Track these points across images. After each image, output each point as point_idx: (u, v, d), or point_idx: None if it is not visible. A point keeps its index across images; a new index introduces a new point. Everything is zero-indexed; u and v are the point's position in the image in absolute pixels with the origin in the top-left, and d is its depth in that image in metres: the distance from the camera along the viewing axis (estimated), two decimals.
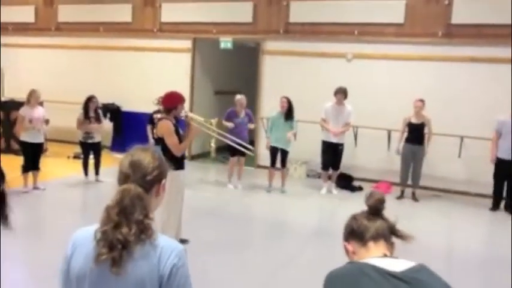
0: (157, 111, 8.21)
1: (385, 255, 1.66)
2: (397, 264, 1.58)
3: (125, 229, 1.50)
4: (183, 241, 5.09)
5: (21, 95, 10.01)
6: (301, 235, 6.11)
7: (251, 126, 8.29)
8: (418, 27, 8.81)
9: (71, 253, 1.61)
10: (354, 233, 1.75)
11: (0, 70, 11.48)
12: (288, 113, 7.97)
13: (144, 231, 1.53)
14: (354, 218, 1.79)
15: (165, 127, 4.85)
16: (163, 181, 1.69)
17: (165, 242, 1.58)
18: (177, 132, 4.89)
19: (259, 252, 5.52)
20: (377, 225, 1.73)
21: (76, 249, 1.60)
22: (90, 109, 8.03)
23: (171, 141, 4.77)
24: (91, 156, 8.17)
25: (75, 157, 10.03)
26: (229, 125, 7.93)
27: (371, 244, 1.71)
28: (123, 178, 1.62)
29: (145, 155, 1.66)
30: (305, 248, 5.68)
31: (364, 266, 1.58)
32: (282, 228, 6.45)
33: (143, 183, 1.60)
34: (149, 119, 8.30)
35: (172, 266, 1.54)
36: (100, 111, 8.36)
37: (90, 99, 8.08)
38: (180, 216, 5.13)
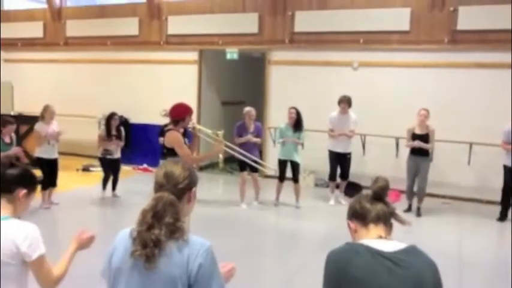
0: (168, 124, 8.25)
1: (381, 237, 1.82)
2: (389, 246, 1.77)
3: (157, 230, 1.73)
4: None
5: (30, 110, 10.15)
6: (309, 245, 6.10)
7: (256, 140, 7.73)
8: (423, 34, 8.82)
9: (112, 249, 1.86)
10: (357, 214, 1.92)
11: (4, 85, 11.61)
12: (297, 125, 7.71)
13: (175, 232, 1.75)
14: (359, 200, 1.95)
15: (175, 138, 4.85)
16: (194, 189, 1.92)
17: (194, 241, 1.79)
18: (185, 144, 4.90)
19: (267, 262, 5.51)
20: (378, 209, 1.89)
21: (117, 245, 1.85)
22: (112, 127, 7.95)
23: (183, 152, 4.77)
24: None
25: (84, 169, 10.10)
26: (243, 140, 7.53)
27: (371, 226, 1.88)
28: (158, 187, 1.85)
29: (177, 167, 1.89)
30: (313, 258, 5.66)
31: (359, 246, 1.78)
32: (290, 239, 6.42)
33: (175, 191, 1.83)
34: (160, 131, 8.33)
35: (200, 263, 1.73)
36: (122, 129, 8.23)
37: (111, 117, 7.98)
38: (187, 227, 5.13)
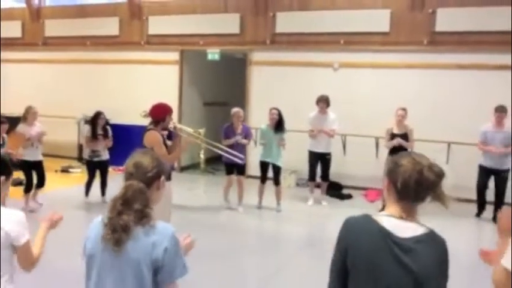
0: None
1: (402, 218, 1.76)
2: (405, 230, 1.73)
3: (125, 216, 1.86)
4: None
5: (10, 110, 9.99)
6: (290, 245, 6.11)
7: (243, 141, 7.53)
8: (403, 35, 8.93)
9: (87, 236, 2.00)
10: (396, 184, 1.78)
11: None
12: (278, 126, 7.55)
13: (143, 218, 1.88)
14: (409, 175, 1.75)
15: (154, 137, 4.84)
16: (162, 177, 2.05)
17: (160, 226, 1.92)
18: (164, 144, 4.90)
19: (248, 262, 5.52)
20: (418, 190, 1.76)
21: (90, 232, 1.99)
22: (98, 126, 7.60)
23: (161, 151, 4.74)
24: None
25: (63, 171, 9.99)
26: (231, 141, 7.31)
27: (402, 200, 1.78)
28: (128, 176, 1.99)
29: (146, 157, 2.03)
30: (293, 258, 5.68)
31: (374, 224, 1.75)
32: (271, 239, 6.44)
33: (145, 179, 1.96)
34: (144, 132, 8.25)
35: (165, 247, 1.87)
36: (109, 128, 7.88)
37: (97, 116, 7.65)
38: (168, 218, 5.11)
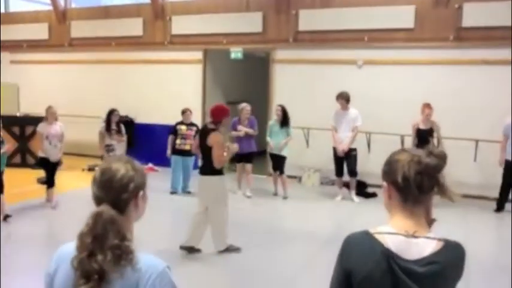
0: (181, 123, 8.33)
1: (408, 232, 1.52)
2: (412, 249, 1.50)
3: (99, 257, 1.41)
4: (233, 249, 5.49)
5: (35, 111, 10.20)
6: (313, 243, 6.08)
7: (249, 130, 8.17)
8: (428, 31, 8.79)
9: (53, 271, 1.55)
10: (396, 183, 1.56)
11: (10, 87, 11.68)
12: (283, 121, 8.15)
13: (122, 256, 1.43)
14: (408, 167, 1.55)
15: (218, 139, 5.19)
16: (141, 192, 1.58)
17: (146, 263, 1.47)
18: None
19: (273, 257, 5.50)
20: (424, 185, 1.54)
21: (59, 267, 1.54)
22: (112, 122, 8.11)
23: (219, 153, 5.13)
24: None
25: (90, 169, 10.13)
26: (240, 133, 8.14)
27: (408, 208, 1.56)
28: (97, 200, 1.54)
29: (116, 171, 1.54)
30: (317, 256, 5.65)
31: (376, 244, 1.51)
32: (295, 235, 6.40)
33: (118, 203, 1.51)
34: (172, 130, 8.37)
35: None
36: (122, 125, 8.42)
37: (111, 113, 8.17)
38: (227, 220, 5.45)
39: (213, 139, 5.18)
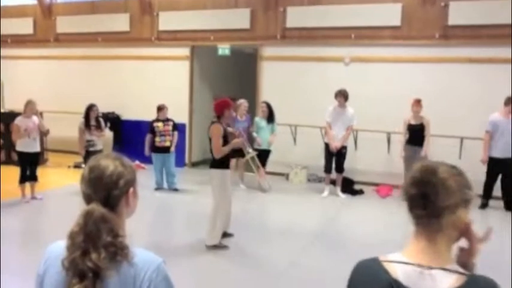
0: (156, 120, 8.30)
1: (421, 262, 1.32)
2: (426, 283, 1.29)
3: (94, 255, 1.38)
4: (228, 235, 5.77)
5: (20, 107, 10.06)
6: (300, 239, 6.09)
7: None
8: (414, 29, 8.85)
9: (43, 272, 1.52)
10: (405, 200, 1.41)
11: (0, 82, 11.53)
12: (269, 117, 8.52)
13: (117, 252, 1.41)
14: (411, 176, 1.40)
15: (215, 130, 5.37)
16: (132, 189, 1.54)
17: (142, 259, 1.46)
18: (225, 137, 5.41)
19: (261, 254, 5.51)
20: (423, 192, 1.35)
21: (48, 268, 1.51)
22: (91, 117, 8.07)
23: (215, 142, 5.32)
24: None
25: (76, 166, 10.06)
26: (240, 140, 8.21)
27: (418, 225, 1.38)
28: (86, 198, 1.50)
29: (105, 168, 1.50)
30: (305, 251, 5.67)
31: (384, 275, 1.34)
32: (282, 232, 6.41)
33: (109, 200, 1.48)
34: (149, 128, 8.33)
35: (150, 283, 1.43)
36: (101, 120, 8.39)
37: (90, 108, 8.13)
38: (228, 212, 5.63)
39: (211, 131, 5.38)
